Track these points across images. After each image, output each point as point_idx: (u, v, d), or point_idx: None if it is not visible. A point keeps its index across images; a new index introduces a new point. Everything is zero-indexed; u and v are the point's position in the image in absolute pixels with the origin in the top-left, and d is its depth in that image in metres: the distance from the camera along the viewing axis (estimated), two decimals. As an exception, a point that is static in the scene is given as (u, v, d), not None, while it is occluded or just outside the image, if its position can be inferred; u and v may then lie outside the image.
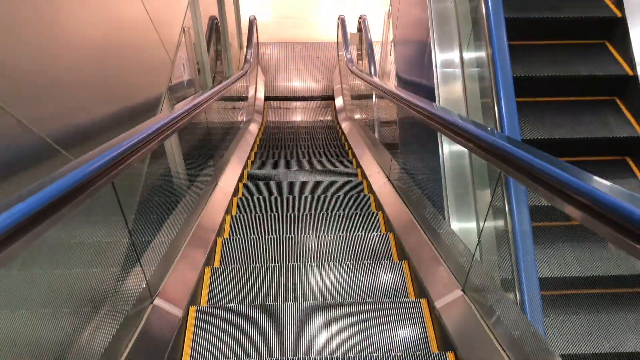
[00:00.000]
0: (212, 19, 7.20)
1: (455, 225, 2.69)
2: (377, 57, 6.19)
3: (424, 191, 3.01)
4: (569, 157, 3.07)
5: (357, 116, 6.11)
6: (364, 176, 4.23)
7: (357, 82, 6.03)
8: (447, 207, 2.78)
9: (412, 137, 3.53)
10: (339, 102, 7.23)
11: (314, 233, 3.21)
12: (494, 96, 2.45)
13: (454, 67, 3.18)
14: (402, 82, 4.15)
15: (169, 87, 3.40)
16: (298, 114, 7.68)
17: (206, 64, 5.04)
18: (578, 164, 3.17)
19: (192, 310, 2.16)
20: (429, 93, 3.36)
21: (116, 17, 2.33)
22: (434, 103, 2.92)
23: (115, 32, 2.31)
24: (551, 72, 3.14)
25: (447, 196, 2.80)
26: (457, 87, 3.14)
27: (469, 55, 3.11)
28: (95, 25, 2.08)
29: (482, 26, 2.66)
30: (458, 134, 2.18)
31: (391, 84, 4.08)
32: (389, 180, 3.69)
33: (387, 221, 3.29)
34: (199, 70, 5.01)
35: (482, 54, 3.04)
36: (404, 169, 3.48)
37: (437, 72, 3.18)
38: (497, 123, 2.40)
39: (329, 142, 5.86)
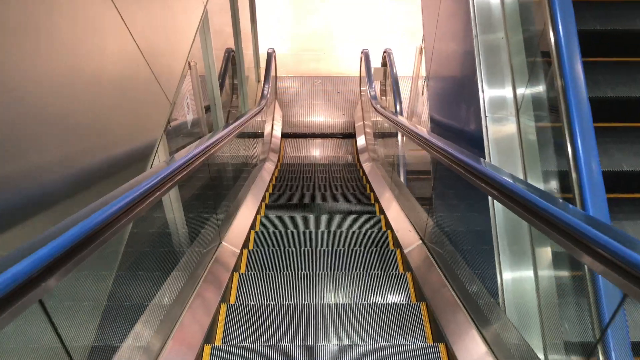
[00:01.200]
0: (229, 50, 6.83)
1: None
2: (404, 94, 5.70)
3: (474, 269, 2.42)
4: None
5: (381, 157, 5.57)
6: (397, 244, 3.63)
7: (380, 118, 5.53)
8: (502, 290, 2.19)
9: (452, 190, 2.97)
10: (360, 141, 6.71)
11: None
12: (571, 156, 1.90)
13: (507, 110, 2.64)
14: (437, 125, 3.61)
15: (168, 130, 2.91)
16: (317, 153, 7.17)
17: (217, 100, 4.58)
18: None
19: None
20: (473, 141, 2.81)
21: (91, 48, 1.84)
22: (482, 159, 2.36)
23: (90, 66, 1.82)
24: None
25: (502, 279, 2.22)
26: (511, 136, 2.59)
27: (526, 94, 2.57)
28: (63, 57, 1.59)
29: (551, 59, 2.12)
30: (523, 206, 1.63)
31: (423, 129, 3.54)
32: (424, 242, 3.11)
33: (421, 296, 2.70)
34: (208, 108, 4.55)
35: (543, 93, 2.52)
36: (442, 229, 2.90)
37: (486, 117, 2.63)
38: (576, 195, 1.84)
39: (349, 184, 5.31)
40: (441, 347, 2.28)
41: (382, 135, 5.89)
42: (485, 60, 2.76)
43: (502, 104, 2.65)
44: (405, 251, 3.16)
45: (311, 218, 4.01)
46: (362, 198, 4.77)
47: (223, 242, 3.17)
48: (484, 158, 2.56)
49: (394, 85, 6.05)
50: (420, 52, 4.70)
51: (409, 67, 6.58)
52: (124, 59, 2.16)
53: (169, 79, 2.90)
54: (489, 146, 2.56)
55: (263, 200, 4.48)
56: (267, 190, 4.94)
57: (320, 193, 4.77)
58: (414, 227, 3.38)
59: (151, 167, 2.43)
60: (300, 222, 3.96)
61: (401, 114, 5.71)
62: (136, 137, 2.30)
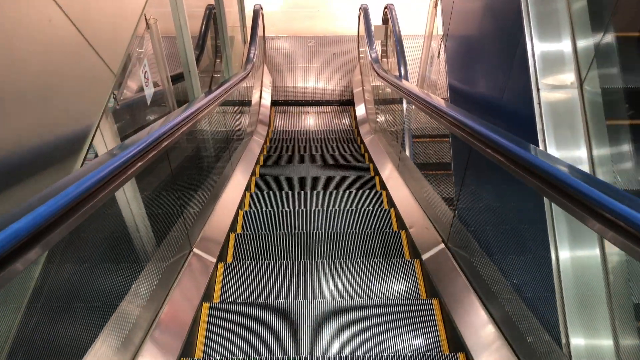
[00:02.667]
0: (210, 7, 6.05)
1: None
2: (410, 55, 4.97)
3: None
4: None
5: (386, 130, 4.89)
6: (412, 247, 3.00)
7: (381, 83, 4.84)
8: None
9: (486, 180, 2.31)
10: (360, 110, 5.99)
11: None
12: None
13: (567, 74, 1.96)
14: (459, 95, 2.93)
15: (116, 110, 2.22)
16: (311, 123, 6.45)
17: (192, 65, 3.85)
18: None
19: None
20: (516, 117, 2.15)
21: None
22: (534, 147, 1.71)
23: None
24: None
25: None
26: (572, 110, 1.93)
27: (596, 48, 1.90)
28: None
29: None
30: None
31: (440, 100, 2.84)
32: (447, 246, 2.47)
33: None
34: (181, 76, 3.83)
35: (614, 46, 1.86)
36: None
37: (538, 87, 1.96)
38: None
39: (350, 166, 4.65)
40: None
41: (384, 102, 5.20)
42: (535, 11, 2.06)
43: (561, 66, 1.97)
44: (424, 258, 2.53)
45: (304, 213, 3.35)
46: (365, 184, 4.12)
47: (194, 250, 2.52)
48: (535, 143, 1.91)
49: (397, 46, 5.32)
50: (435, 6, 3.93)
51: (416, 24, 5.82)
52: (34, 22, 1.46)
53: (114, 42, 2.19)
54: (543, 128, 1.90)
55: (248, 185, 3.79)
56: (253, 170, 4.28)
57: (316, 177, 4.12)
58: (433, 225, 2.74)
59: (82, 165, 1.76)
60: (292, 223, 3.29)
61: (406, 78, 5.01)
62: (54, 126, 1.62)
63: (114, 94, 2.13)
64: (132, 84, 2.41)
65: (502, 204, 2.05)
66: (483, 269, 2.04)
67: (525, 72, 2.02)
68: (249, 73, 4.65)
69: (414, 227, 2.90)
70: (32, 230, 1.01)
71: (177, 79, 4.19)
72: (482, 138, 1.84)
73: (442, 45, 3.18)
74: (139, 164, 1.67)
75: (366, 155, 4.91)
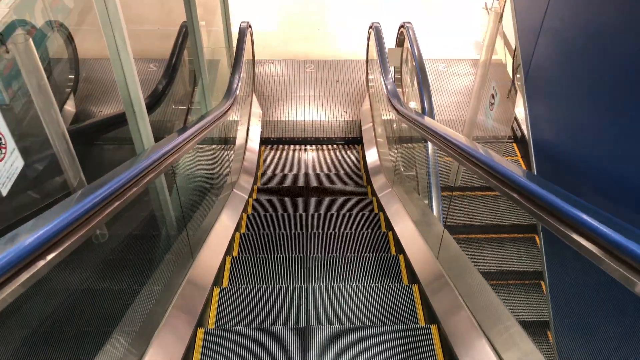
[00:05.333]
0: (185, 25, 4.92)
1: None
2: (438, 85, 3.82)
3: None
4: None
5: (408, 184, 3.68)
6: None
7: (396, 118, 3.68)
8: None
9: None
10: (371, 155, 4.74)
11: None
12: None
13: None
14: (559, 165, 1.72)
15: None
16: (311, 169, 5.22)
17: (138, 104, 2.64)
18: None
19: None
20: None
21: None
22: None
23: None
24: None
25: None
26: None
27: None
28: None
29: None
30: None
31: (512, 167, 1.60)
32: None
33: None
34: (122, 118, 2.63)
35: None
36: None
37: None
38: None
39: (362, 240, 3.44)
40: None
41: (404, 141, 4.03)
42: None
43: None
44: None
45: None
46: (385, 270, 2.90)
47: None
48: None
49: (419, 73, 4.18)
50: (500, 20, 2.66)
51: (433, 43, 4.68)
52: None
53: None
54: None
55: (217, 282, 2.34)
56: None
57: (317, 255, 2.90)
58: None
59: None
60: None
61: (431, 115, 3.85)
62: None
63: None
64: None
65: None
66: None
67: None
68: (226, 110, 3.46)
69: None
70: None
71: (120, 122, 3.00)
72: None
73: (523, 77, 1.99)
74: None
75: (381, 215, 3.70)
